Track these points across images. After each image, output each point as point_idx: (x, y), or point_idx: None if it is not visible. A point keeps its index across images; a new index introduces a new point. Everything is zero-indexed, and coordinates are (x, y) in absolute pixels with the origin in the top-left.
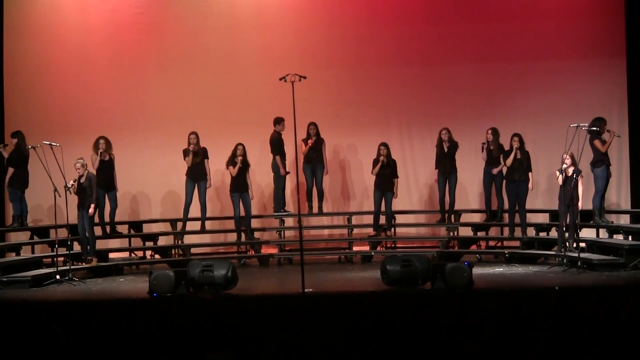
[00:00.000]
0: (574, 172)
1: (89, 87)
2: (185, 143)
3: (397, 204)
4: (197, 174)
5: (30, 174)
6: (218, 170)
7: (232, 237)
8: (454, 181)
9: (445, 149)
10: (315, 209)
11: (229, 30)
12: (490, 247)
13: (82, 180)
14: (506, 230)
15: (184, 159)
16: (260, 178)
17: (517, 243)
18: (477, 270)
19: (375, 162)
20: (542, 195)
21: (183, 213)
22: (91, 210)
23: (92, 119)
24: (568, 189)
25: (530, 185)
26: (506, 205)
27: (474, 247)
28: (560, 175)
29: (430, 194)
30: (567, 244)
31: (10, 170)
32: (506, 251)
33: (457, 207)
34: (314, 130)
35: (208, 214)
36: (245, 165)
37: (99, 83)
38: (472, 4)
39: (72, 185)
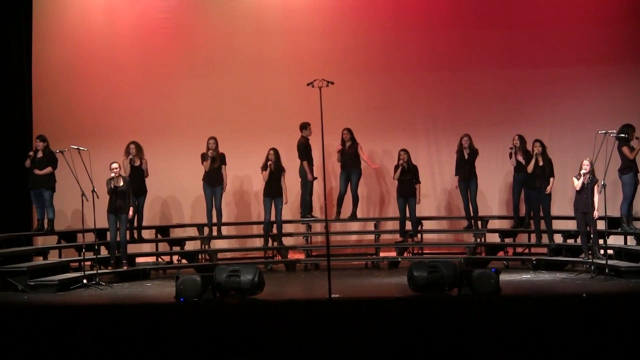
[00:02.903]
0: (589, 178)
1: (116, 92)
2: (205, 148)
3: (423, 210)
4: (213, 179)
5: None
6: (238, 176)
7: (259, 242)
8: (474, 187)
9: (466, 156)
10: (344, 215)
11: (256, 34)
12: (517, 253)
13: (121, 184)
14: (534, 237)
15: (202, 164)
16: (287, 183)
17: (544, 250)
18: (504, 277)
19: (396, 167)
20: (570, 202)
21: (207, 218)
22: (130, 213)
23: (119, 124)
24: (585, 196)
25: (547, 189)
26: (530, 213)
27: (501, 254)
28: (577, 182)
29: (457, 200)
30: (592, 251)
31: (48, 170)
32: (533, 258)
33: (481, 213)
34: (348, 135)
35: (232, 219)
36: (277, 170)
37: (126, 87)
38: (498, 9)
39: (113, 181)
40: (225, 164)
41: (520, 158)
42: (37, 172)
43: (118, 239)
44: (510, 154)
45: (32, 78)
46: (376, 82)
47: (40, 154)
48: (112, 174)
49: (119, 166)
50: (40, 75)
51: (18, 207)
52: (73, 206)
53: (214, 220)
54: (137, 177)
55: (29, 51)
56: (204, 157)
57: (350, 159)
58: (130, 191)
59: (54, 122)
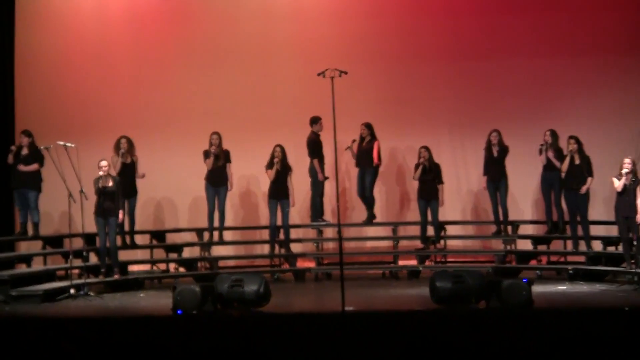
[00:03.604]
0: (631, 179)
1: (107, 83)
2: (207, 144)
3: (447, 214)
4: (217, 179)
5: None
6: (244, 175)
7: (265, 248)
8: (504, 188)
9: (495, 153)
10: (358, 219)
11: (262, 20)
12: (551, 262)
13: (109, 184)
14: (569, 244)
15: (204, 161)
16: (296, 184)
17: (582, 258)
18: (537, 288)
19: (416, 166)
20: (610, 205)
21: (208, 222)
22: (121, 216)
23: (110, 118)
24: (627, 198)
25: (583, 188)
26: (567, 216)
27: (533, 262)
28: (618, 182)
29: (484, 202)
30: (635, 260)
31: (34, 167)
32: (570, 267)
33: (512, 217)
34: (366, 131)
35: (237, 223)
36: (284, 169)
37: (118, 78)
38: None
39: (101, 180)
40: (229, 162)
41: (551, 155)
42: (22, 167)
43: (108, 244)
44: (540, 151)
45: (14, 68)
46: (394, 72)
47: (25, 151)
48: (101, 173)
49: (108, 164)
50: (24, 64)
51: None
52: (59, 208)
53: (216, 224)
54: (129, 176)
55: (11, 37)
56: (206, 154)
57: (364, 156)
58: (120, 192)
59: (39, 116)
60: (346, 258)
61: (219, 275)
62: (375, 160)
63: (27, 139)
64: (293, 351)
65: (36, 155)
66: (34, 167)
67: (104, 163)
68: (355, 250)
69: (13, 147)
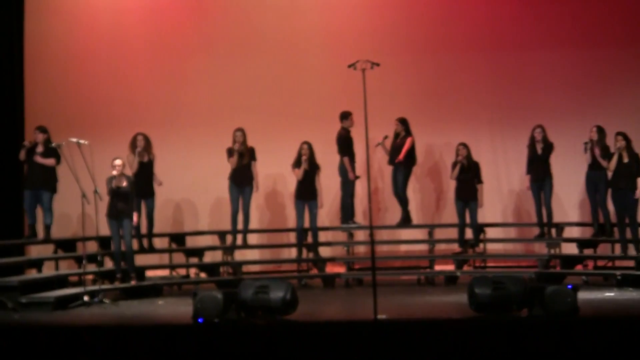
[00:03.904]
0: None
1: (122, 76)
2: (230, 141)
3: (487, 215)
4: (242, 178)
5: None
6: (270, 174)
7: (292, 252)
8: (549, 188)
9: (539, 151)
10: (391, 221)
11: (289, 8)
12: (598, 267)
13: (123, 184)
14: (618, 248)
15: (228, 160)
16: (325, 183)
17: (631, 263)
18: (583, 295)
19: (454, 165)
20: None
21: (231, 223)
22: (135, 218)
23: (125, 113)
24: None
25: (637, 193)
26: (615, 218)
27: (579, 267)
28: None
29: (527, 203)
30: None
31: (51, 161)
32: (618, 272)
33: (556, 219)
34: (400, 127)
35: (262, 226)
36: (312, 168)
37: (134, 70)
38: None
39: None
40: (255, 160)
41: (597, 153)
42: (38, 159)
43: (124, 248)
44: (585, 148)
45: (24, 60)
46: (430, 64)
47: (40, 148)
48: (114, 172)
49: (122, 163)
50: (34, 56)
51: (7, 209)
52: (72, 210)
53: (240, 226)
54: (146, 176)
55: (21, 27)
56: (230, 152)
57: (398, 154)
58: (134, 193)
59: (50, 111)
60: (379, 263)
61: (243, 281)
62: (400, 156)
63: (42, 135)
64: None
65: (52, 153)
66: (50, 161)
67: (118, 161)
68: (389, 255)
69: (26, 143)
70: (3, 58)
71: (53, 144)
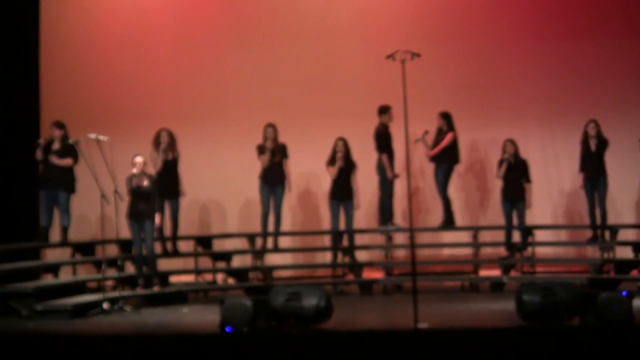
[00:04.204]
0: None
1: (144, 67)
2: (261, 138)
3: (536, 217)
4: (273, 177)
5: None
6: (303, 173)
7: (326, 256)
8: (603, 187)
9: (593, 147)
10: (432, 223)
11: None
12: None
13: (144, 183)
14: None
15: (258, 158)
16: (362, 182)
17: None
18: (638, 302)
19: (500, 162)
20: None
21: (261, 226)
22: (157, 220)
23: (148, 107)
24: None
25: None
26: None
27: (634, 273)
28: None
29: (579, 204)
30: None
31: (68, 162)
32: None
33: (610, 220)
34: (443, 122)
35: (294, 228)
36: (348, 166)
37: (156, 62)
38: None
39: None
40: (287, 158)
41: None
42: (54, 160)
43: (145, 252)
44: None
45: (39, 51)
46: (474, 54)
47: (56, 145)
48: (135, 170)
49: (144, 161)
50: (51, 47)
51: (21, 210)
52: (90, 211)
53: (271, 228)
54: (170, 175)
55: (36, 15)
56: (261, 149)
57: (440, 150)
58: (156, 192)
59: (67, 105)
60: (419, 268)
61: (274, 288)
62: (432, 152)
63: (59, 132)
64: None
65: (69, 150)
66: (67, 161)
67: (138, 159)
68: (430, 259)
69: (41, 141)
70: (17, 48)
71: (70, 141)
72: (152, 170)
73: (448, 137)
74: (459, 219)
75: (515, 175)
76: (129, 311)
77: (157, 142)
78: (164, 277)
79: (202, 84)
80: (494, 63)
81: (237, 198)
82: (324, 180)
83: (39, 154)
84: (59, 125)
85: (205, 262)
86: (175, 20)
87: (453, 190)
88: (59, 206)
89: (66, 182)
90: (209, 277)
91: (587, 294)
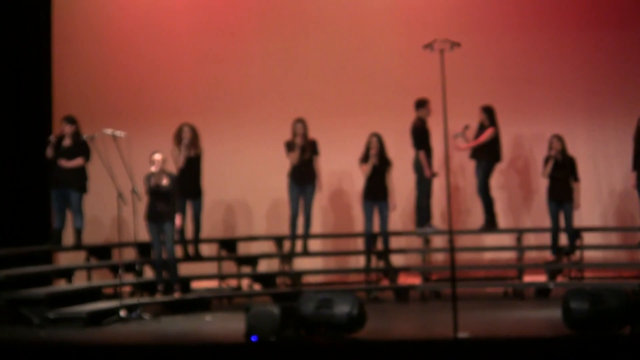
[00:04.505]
0: None
1: (163, 58)
2: (290, 133)
3: (584, 219)
4: (303, 175)
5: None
6: (335, 171)
7: (359, 261)
8: None
9: None
10: (473, 224)
11: None
12: None
13: (163, 182)
14: None
15: (287, 155)
16: (397, 181)
17: None
18: None
19: (546, 160)
20: None
21: (290, 228)
22: (178, 221)
23: (168, 101)
24: None
25: None
26: None
27: None
28: None
29: (631, 204)
30: None
31: (79, 162)
32: None
33: None
34: (484, 116)
35: (325, 230)
36: (382, 163)
37: (177, 52)
38: None
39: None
40: (317, 155)
41: None
42: (63, 163)
43: (165, 255)
44: None
45: (51, 42)
46: (518, 45)
47: (67, 142)
48: (153, 168)
49: (163, 158)
50: (63, 37)
51: (33, 212)
52: (107, 212)
53: (300, 230)
54: (193, 173)
55: (48, 7)
56: (289, 146)
57: (481, 146)
58: (176, 192)
59: (81, 99)
60: (459, 273)
61: (303, 294)
62: (464, 145)
63: (70, 127)
64: None
65: (81, 147)
66: (77, 162)
67: (157, 156)
68: (471, 263)
69: (52, 138)
70: (28, 39)
71: (85, 137)
72: (172, 168)
73: (487, 133)
74: (502, 221)
75: (562, 173)
76: (148, 319)
77: (178, 138)
78: (185, 283)
79: (226, 76)
80: (539, 53)
81: (264, 198)
82: (357, 179)
83: (49, 152)
84: (70, 120)
85: (230, 266)
86: (196, 7)
87: (494, 188)
88: (70, 207)
89: (77, 181)
90: (233, 282)
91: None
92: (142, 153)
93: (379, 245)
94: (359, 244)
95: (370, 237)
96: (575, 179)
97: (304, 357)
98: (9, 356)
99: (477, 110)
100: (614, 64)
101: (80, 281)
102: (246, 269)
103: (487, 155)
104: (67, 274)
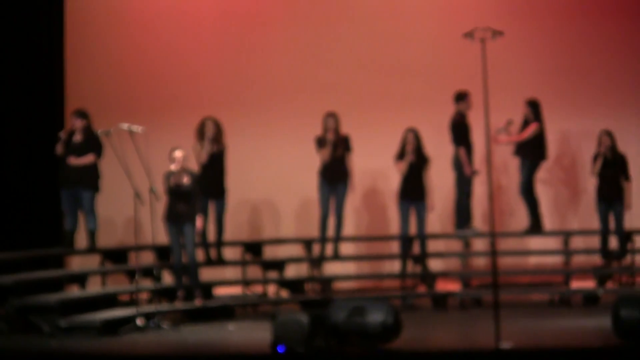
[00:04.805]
0: None
1: (184, 48)
2: (320, 129)
3: (636, 220)
4: (334, 173)
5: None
6: (368, 169)
7: (394, 265)
8: None
9: None
10: (516, 227)
11: None
12: None
13: (184, 181)
14: None
15: (317, 151)
16: (436, 180)
17: None
18: None
19: (595, 157)
20: None
21: (320, 230)
22: (199, 223)
23: (189, 94)
24: None
25: None
26: None
27: None
28: None
29: None
30: None
31: (89, 159)
32: None
33: None
34: (529, 111)
35: (358, 232)
36: (419, 161)
37: (199, 42)
38: None
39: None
40: (349, 151)
41: None
42: (73, 161)
43: (185, 259)
44: None
45: (64, 32)
46: (565, 33)
47: (78, 137)
48: (173, 167)
49: (184, 155)
50: (77, 29)
51: (43, 213)
52: (122, 212)
53: (330, 232)
54: (216, 171)
55: None
56: (320, 142)
57: (526, 142)
58: (198, 191)
59: (95, 92)
60: (502, 279)
61: (334, 301)
62: (502, 139)
63: (80, 122)
64: None
65: (92, 143)
66: (88, 159)
67: (177, 153)
68: (514, 269)
69: (62, 134)
70: (39, 29)
71: (100, 132)
72: (193, 165)
73: (531, 128)
74: (548, 223)
75: (612, 172)
76: (167, 328)
77: (201, 133)
78: (206, 289)
79: (252, 66)
80: (588, 43)
81: (292, 198)
82: (392, 178)
83: (59, 149)
84: (81, 114)
85: (255, 271)
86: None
87: (540, 190)
88: (82, 207)
89: (88, 179)
90: (258, 289)
91: None
92: (161, 149)
93: (416, 248)
94: (394, 247)
95: (406, 240)
96: (626, 177)
97: None
98: None
99: (521, 104)
100: None
101: (94, 287)
102: (272, 274)
103: (531, 152)
104: (80, 279)
